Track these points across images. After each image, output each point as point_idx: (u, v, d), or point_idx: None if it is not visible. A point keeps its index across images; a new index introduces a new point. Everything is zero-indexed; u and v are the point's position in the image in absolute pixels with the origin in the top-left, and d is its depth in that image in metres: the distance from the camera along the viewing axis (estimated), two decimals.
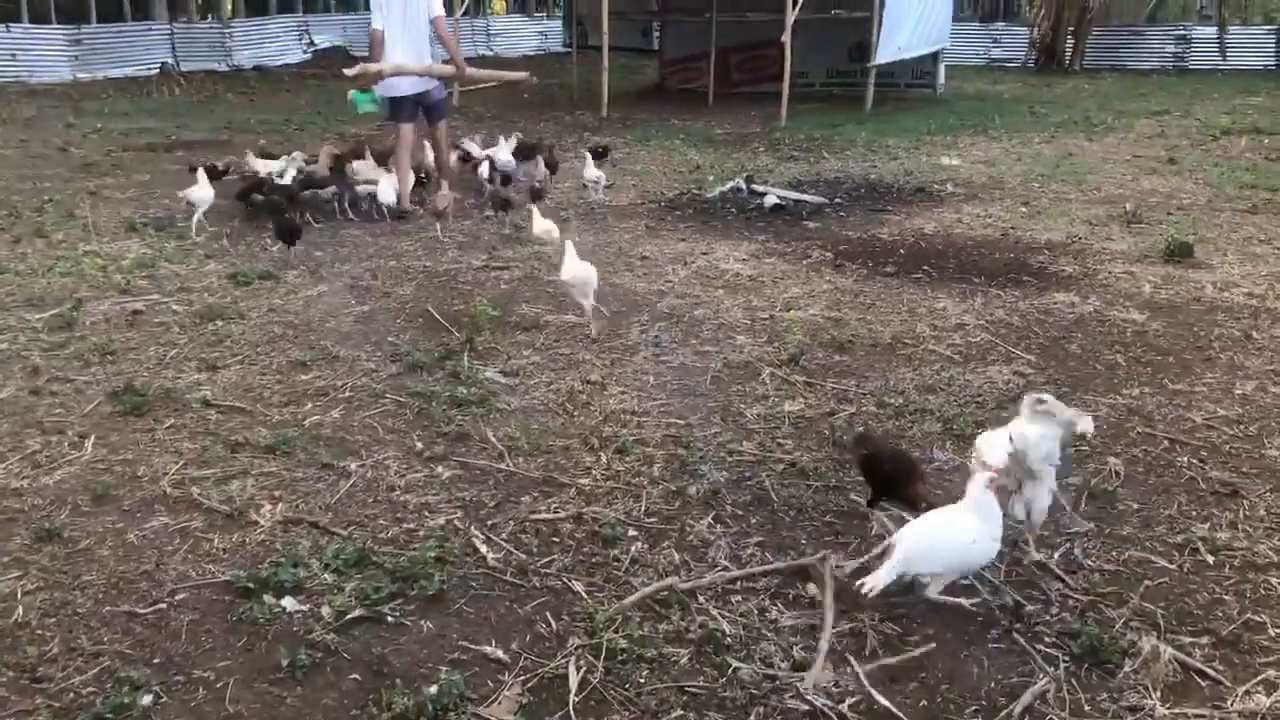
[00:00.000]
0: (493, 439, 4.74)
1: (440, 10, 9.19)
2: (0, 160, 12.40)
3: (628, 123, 15.71)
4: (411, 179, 9.48)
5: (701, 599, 3.51)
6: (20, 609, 3.41)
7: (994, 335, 6.15)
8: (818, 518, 4.07)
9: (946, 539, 3.35)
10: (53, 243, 8.29)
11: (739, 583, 3.62)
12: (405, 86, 9.21)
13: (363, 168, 9.40)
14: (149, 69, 22.13)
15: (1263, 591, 3.56)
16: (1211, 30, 26.86)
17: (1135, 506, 4.15)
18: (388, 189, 9.05)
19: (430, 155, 9.91)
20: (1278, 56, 25.69)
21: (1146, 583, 3.60)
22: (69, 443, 4.67)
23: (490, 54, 27.82)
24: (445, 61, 9.73)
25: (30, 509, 4.09)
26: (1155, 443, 4.71)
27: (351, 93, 9.67)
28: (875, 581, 3.26)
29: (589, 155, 10.15)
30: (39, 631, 3.30)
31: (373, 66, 9.03)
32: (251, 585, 3.51)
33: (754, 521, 4.04)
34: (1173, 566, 3.72)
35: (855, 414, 5.05)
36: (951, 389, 5.36)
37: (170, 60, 22.64)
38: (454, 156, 10.17)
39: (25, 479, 4.33)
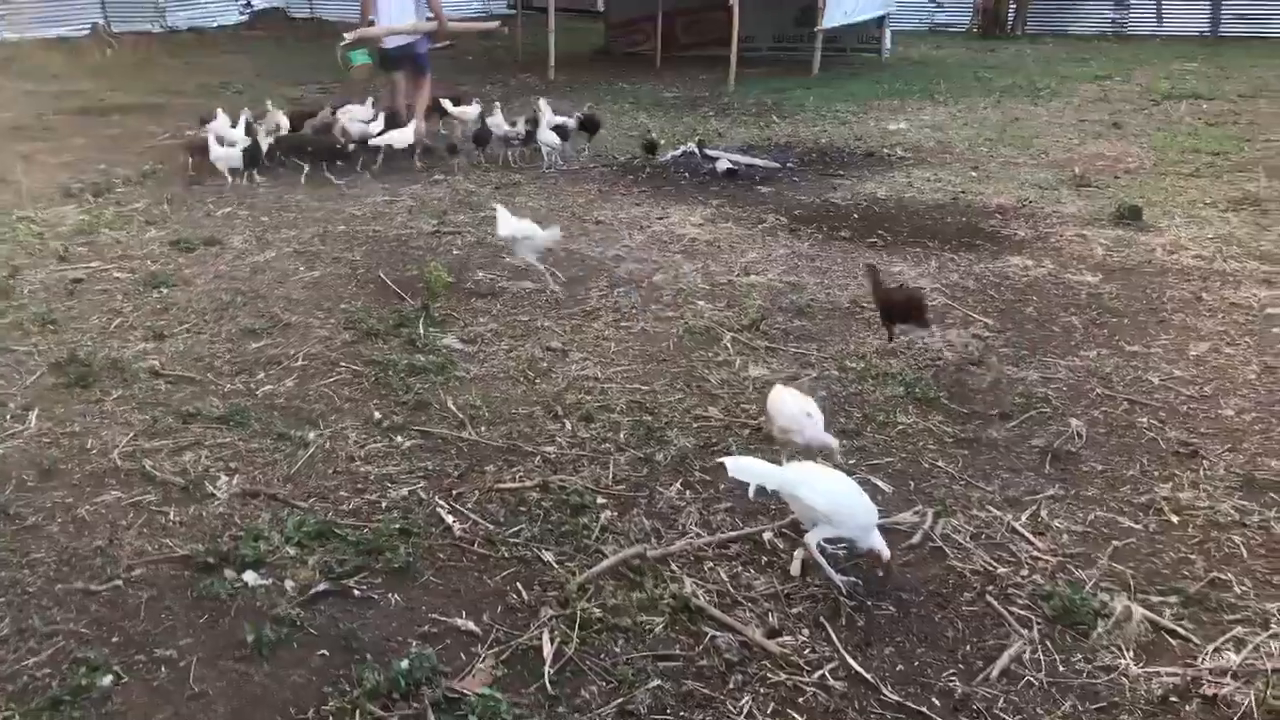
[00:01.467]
0: (453, 408, 4.65)
1: None
2: None
3: (575, 86, 15.49)
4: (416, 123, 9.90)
5: (674, 566, 3.48)
6: None
7: (951, 299, 6.16)
8: None
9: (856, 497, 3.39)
10: None
11: (711, 549, 3.59)
12: (395, 41, 9.91)
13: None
14: (80, 29, 21.39)
15: (1226, 550, 3.60)
16: None
17: (1099, 468, 4.18)
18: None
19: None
20: (1211, 23, 26.09)
21: (1114, 543, 3.63)
22: (11, 415, 4.52)
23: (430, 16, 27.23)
24: (429, 19, 10.26)
25: None
26: (1115, 404, 4.76)
27: (346, 50, 10.07)
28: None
29: (547, 112, 9.93)
30: None
31: (370, 31, 9.74)
32: (211, 560, 3.42)
33: (723, 488, 4.00)
34: (1139, 527, 3.75)
35: (817, 378, 5.03)
36: (911, 352, 5.37)
37: (101, 21, 21.89)
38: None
39: None
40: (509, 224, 6.33)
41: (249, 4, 25.55)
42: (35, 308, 5.80)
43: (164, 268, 6.57)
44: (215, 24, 24.23)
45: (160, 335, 5.46)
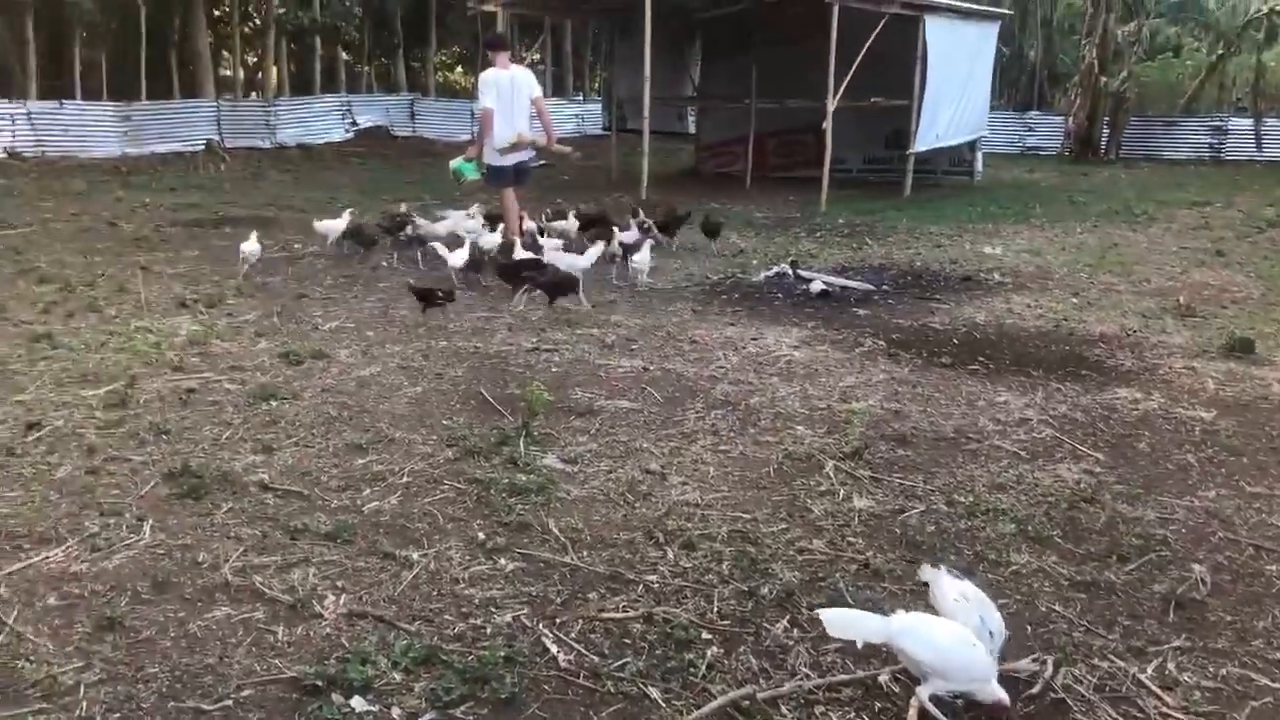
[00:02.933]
0: (555, 530, 4.64)
1: (539, 91, 10.78)
2: (52, 234, 12.58)
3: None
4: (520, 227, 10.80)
5: (784, 709, 3.37)
6: (84, 703, 3.32)
7: (1059, 431, 6.03)
8: None
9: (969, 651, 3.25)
10: (105, 318, 8.34)
11: (822, 692, 3.48)
12: (507, 159, 10.66)
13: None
14: (195, 145, 22.56)
15: None
16: (1247, 122, 27.00)
17: (1227, 618, 3.99)
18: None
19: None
20: None
21: (1251, 703, 3.44)
22: (127, 525, 4.61)
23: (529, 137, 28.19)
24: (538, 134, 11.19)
25: (90, 595, 4.02)
26: (1239, 549, 4.56)
27: (455, 163, 11.20)
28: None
29: (637, 227, 10.15)
30: None
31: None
32: (320, 683, 3.40)
33: None
34: (1276, 685, 3.55)
35: (925, 511, 4.92)
36: (1021, 487, 5.23)
37: (215, 137, 23.08)
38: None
39: (84, 563, 4.26)
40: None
41: (354, 123, 26.73)
42: (151, 417, 5.98)
43: (273, 380, 6.74)
44: (322, 140, 25.34)
45: (269, 448, 5.57)
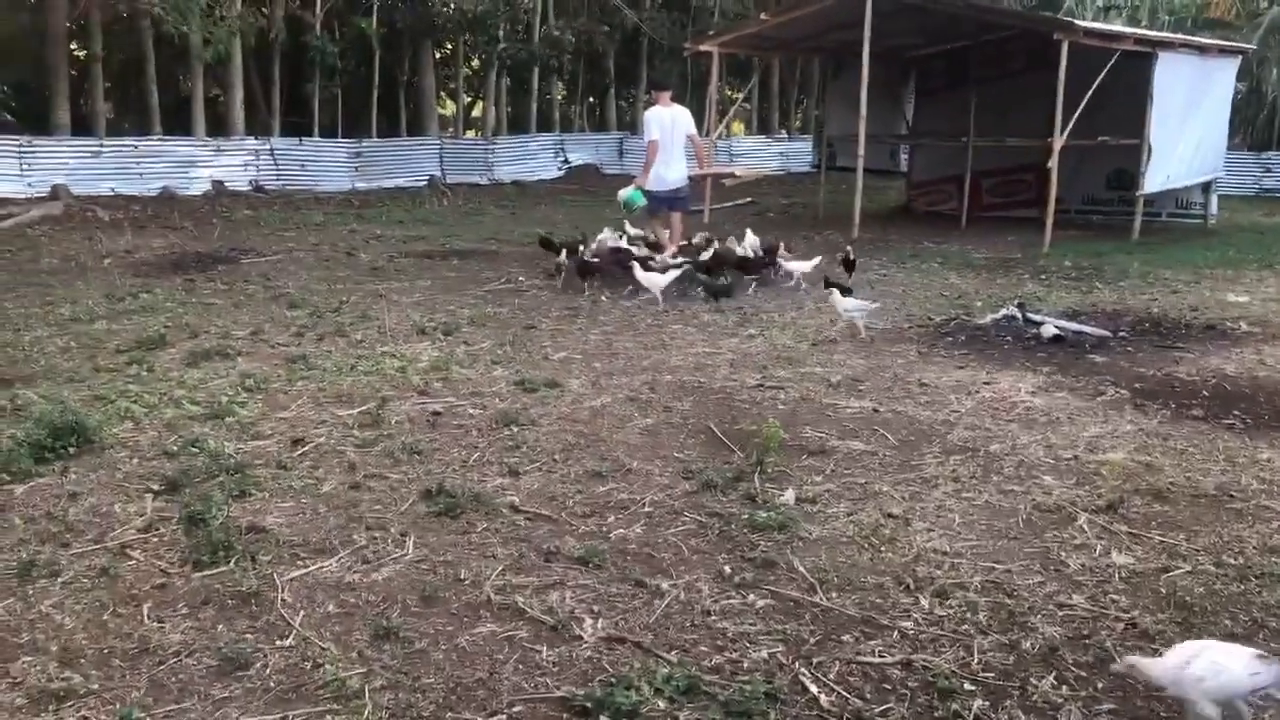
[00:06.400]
0: (801, 569, 4.61)
1: (694, 129, 12.45)
2: (297, 262, 13.49)
3: (879, 244, 15.59)
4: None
5: None
6: (369, 707, 3.50)
7: None
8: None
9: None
10: (352, 342, 8.85)
11: None
12: (665, 186, 11.99)
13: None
14: (419, 181, 23.77)
15: None
16: None
17: None
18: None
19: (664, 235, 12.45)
20: None
21: None
22: (392, 540, 4.86)
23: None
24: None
25: (365, 604, 4.25)
26: None
27: (623, 194, 12.39)
28: None
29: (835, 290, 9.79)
30: None
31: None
32: (589, 705, 3.48)
33: (1102, 686, 3.72)
34: None
35: (1192, 572, 4.65)
36: None
37: (438, 173, 24.25)
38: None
39: (357, 573, 4.52)
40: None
41: (566, 160, 27.59)
42: (403, 437, 6.29)
43: (511, 406, 6.99)
44: (535, 178, 26.26)
45: (515, 471, 5.78)
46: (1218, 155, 18.51)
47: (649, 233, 12.85)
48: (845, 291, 9.75)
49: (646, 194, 12.10)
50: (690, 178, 12.74)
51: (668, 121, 11.99)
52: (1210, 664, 3.33)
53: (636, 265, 10.80)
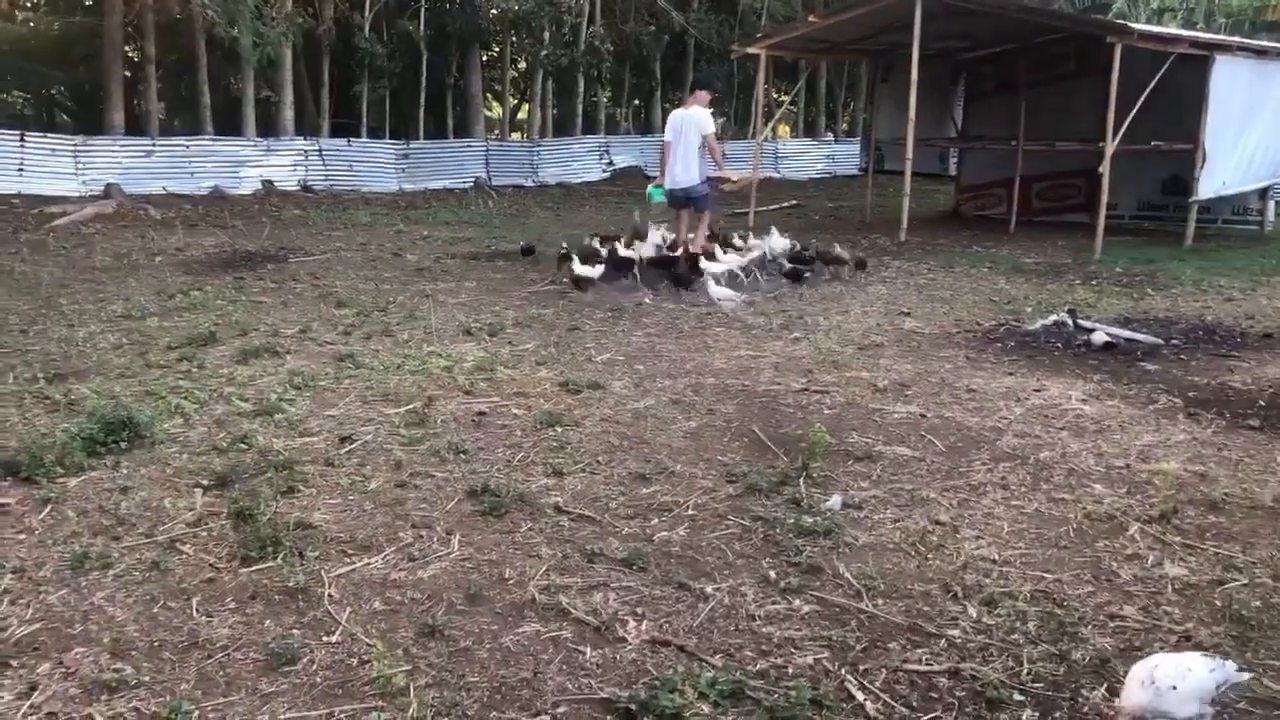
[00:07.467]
0: (847, 575, 4.57)
1: (710, 129, 12.09)
2: (344, 261, 13.61)
3: (927, 248, 15.46)
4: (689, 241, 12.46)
5: None
6: (415, 704, 3.51)
7: None
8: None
9: None
10: (399, 341, 8.91)
11: None
12: (675, 185, 12.29)
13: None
14: (464, 183, 23.91)
15: None
16: None
17: None
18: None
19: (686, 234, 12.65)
20: None
21: None
22: (437, 538, 4.88)
23: (778, 175, 28.37)
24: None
25: (410, 602, 4.27)
26: None
27: (651, 188, 13.27)
28: None
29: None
30: None
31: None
32: (633, 707, 3.47)
33: None
34: None
35: (1249, 585, 4.55)
36: None
37: (483, 175, 24.38)
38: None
39: (403, 571, 4.54)
40: None
41: (610, 163, 27.64)
42: (448, 437, 6.32)
43: (555, 407, 7.00)
44: (579, 180, 26.32)
45: (559, 472, 5.78)
46: (1276, 161, 18.13)
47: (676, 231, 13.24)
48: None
49: (666, 192, 12.60)
50: (709, 178, 12.93)
51: (679, 122, 12.26)
52: (1174, 670, 3.31)
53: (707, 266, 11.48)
